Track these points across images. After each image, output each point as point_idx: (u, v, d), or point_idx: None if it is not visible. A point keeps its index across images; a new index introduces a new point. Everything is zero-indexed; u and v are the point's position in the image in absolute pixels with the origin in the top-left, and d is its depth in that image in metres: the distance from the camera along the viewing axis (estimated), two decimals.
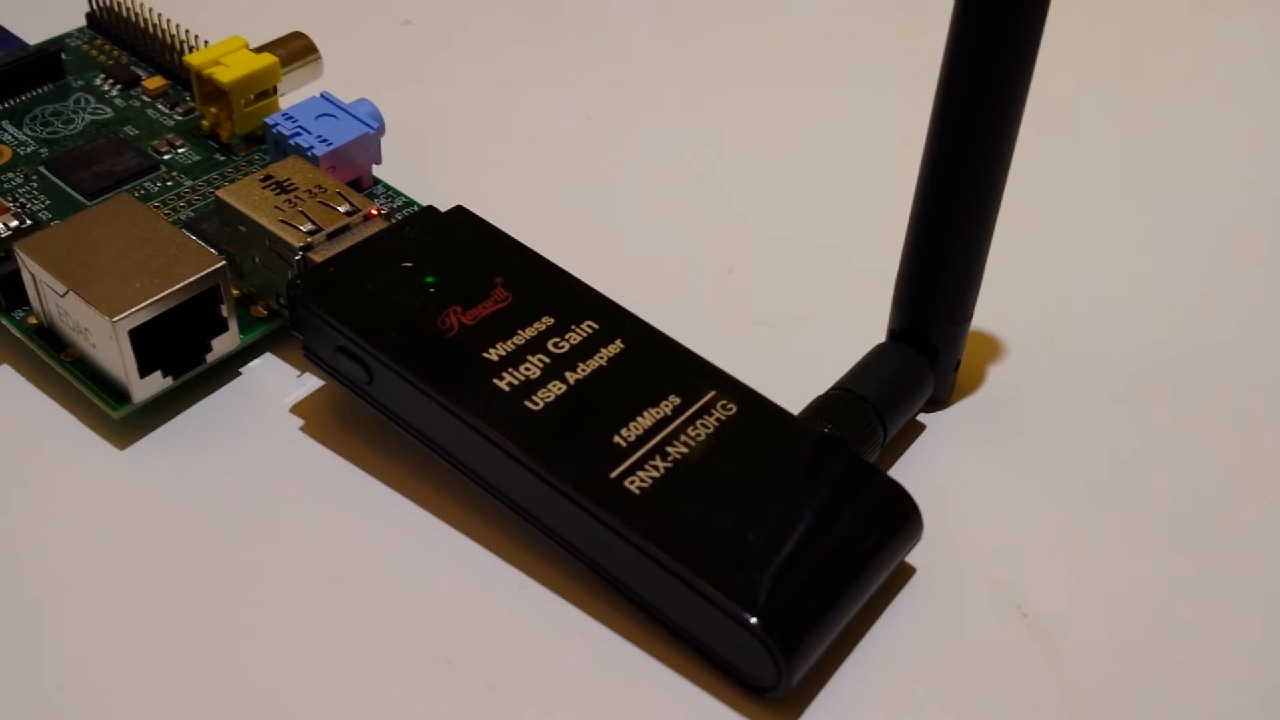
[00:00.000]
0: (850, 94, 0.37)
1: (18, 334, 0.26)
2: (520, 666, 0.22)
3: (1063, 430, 0.26)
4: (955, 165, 0.23)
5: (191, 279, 0.25)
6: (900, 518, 0.23)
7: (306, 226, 0.26)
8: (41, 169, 0.30)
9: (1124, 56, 0.38)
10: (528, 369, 0.24)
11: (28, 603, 0.23)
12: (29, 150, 0.30)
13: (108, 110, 0.32)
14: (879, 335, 0.26)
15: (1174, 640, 0.22)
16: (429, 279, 0.25)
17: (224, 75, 0.30)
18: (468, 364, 0.23)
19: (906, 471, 0.25)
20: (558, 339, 0.24)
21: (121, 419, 0.25)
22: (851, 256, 0.30)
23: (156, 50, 0.33)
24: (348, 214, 0.26)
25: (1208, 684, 0.22)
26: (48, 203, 0.29)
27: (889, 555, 0.22)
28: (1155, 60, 0.38)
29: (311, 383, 0.27)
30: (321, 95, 0.30)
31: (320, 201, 0.26)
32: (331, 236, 0.26)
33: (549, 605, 0.23)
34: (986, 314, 0.26)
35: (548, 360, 0.24)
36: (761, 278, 0.30)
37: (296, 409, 0.26)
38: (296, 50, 0.31)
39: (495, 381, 0.23)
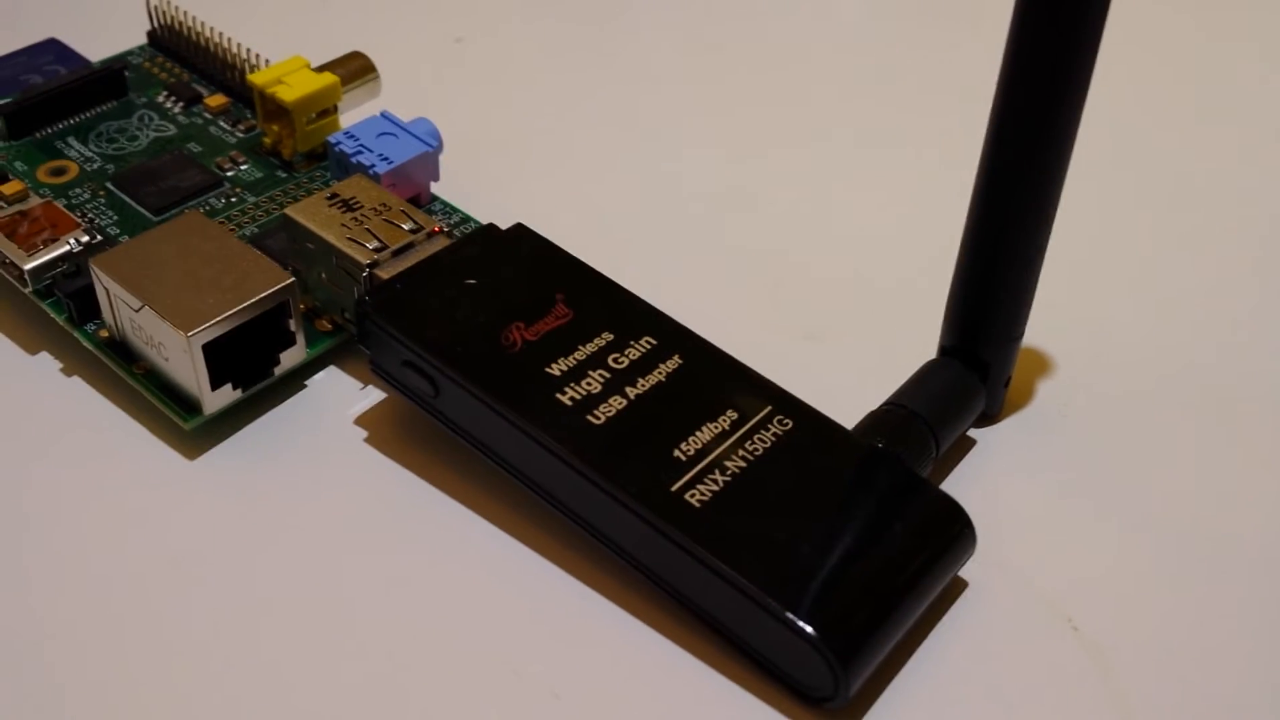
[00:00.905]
0: (894, 109, 0.37)
1: (90, 346, 0.27)
2: (583, 676, 0.22)
3: (1111, 446, 0.27)
4: (1010, 186, 0.24)
5: (263, 295, 0.25)
6: (954, 532, 0.23)
7: (373, 244, 0.26)
8: (108, 185, 0.31)
9: (1166, 72, 0.39)
10: (589, 384, 0.24)
11: (104, 605, 0.23)
12: (95, 166, 0.31)
13: (171, 127, 0.33)
14: (925, 348, 0.27)
15: (1224, 652, 0.23)
16: (492, 295, 0.26)
17: (287, 94, 0.31)
18: (531, 379, 0.24)
19: (958, 486, 0.25)
20: (617, 354, 0.25)
21: (192, 430, 0.26)
22: (896, 271, 0.31)
23: (217, 68, 0.34)
24: (412, 231, 0.27)
25: (1260, 697, 0.22)
26: (115, 218, 0.30)
27: (943, 569, 0.23)
28: (1195, 76, 0.39)
29: (374, 395, 0.27)
30: (381, 114, 0.31)
31: (385, 219, 0.27)
32: (396, 254, 0.26)
33: (610, 616, 0.23)
34: (1034, 331, 0.26)
35: (608, 375, 0.24)
36: (808, 293, 0.30)
37: (360, 420, 0.27)
38: (355, 70, 0.32)
39: (558, 396, 0.24)
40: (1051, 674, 0.23)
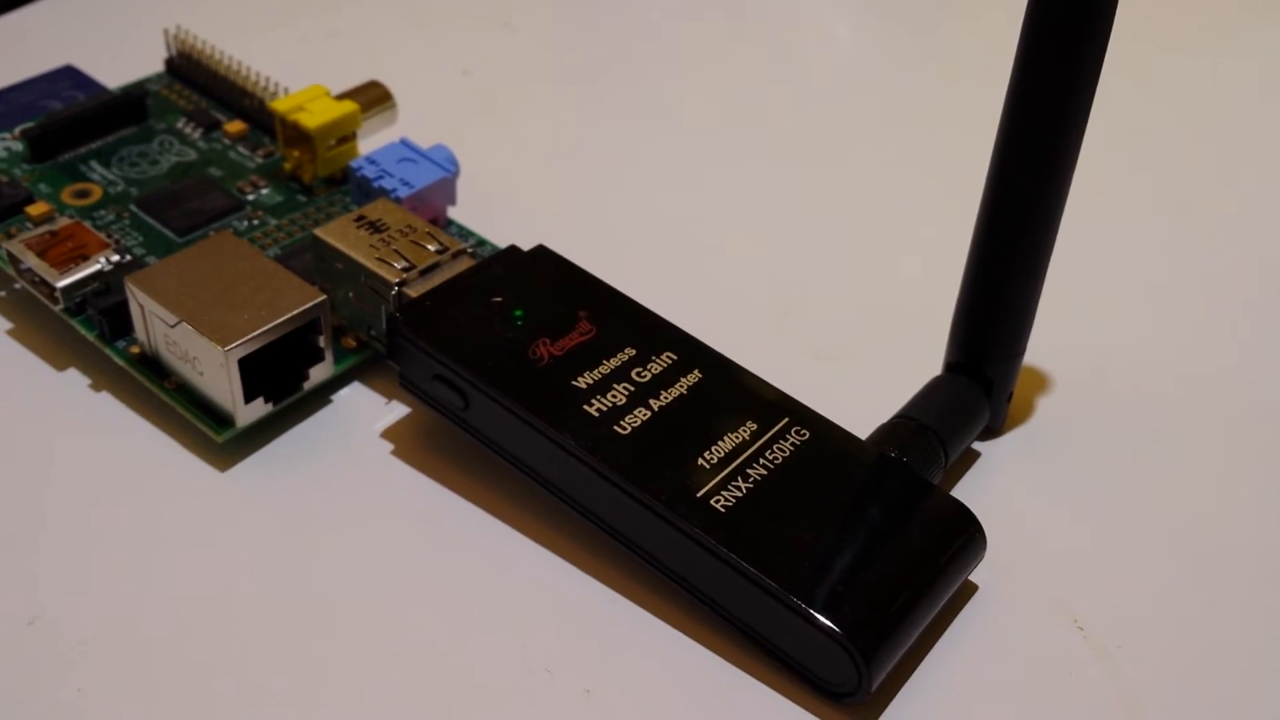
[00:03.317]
0: (898, 136, 0.38)
1: (121, 362, 0.28)
2: (613, 674, 0.23)
3: (1110, 456, 0.28)
4: (1012, 209, 0.25)
5: (296, 311, 0.26)
6: (966, 536, 0.24)
7: (401, 264, 0.27)
8: (133, 207, 0.31)
9: (1163, 96, 0.41)
10: (614, 396, 0.25)
11: (140, 614, 0.24)
12: (118, 189, 0.32)
13: (191, 152, 0.34)
14: (929, 366, 0.28)
15: (1225, 647, 0.24)
16: (518, 313, 0.27)
17: (309, 121, 0.31)
18: (559, 391, 0.25)
19: (964, 495, 0.26)
20: (640, 369, 0.26)
21: (224, 442, 0.27)
22: (901, 293, 0.32)
23: (234, 95, 0.35)
24: (438, 252, 0.28)
25: (1264, 692, 0.23)
26: (141, 239, 0.31)
27: (957, 571, 0.24)
28: (1194, 101, 0.41)
29: (399, 410, 0.28)
30: (401, 141, 0.32)
31: (412, 240, 0.28)
32: (424, 273, 0.27)
33: (636, 617, 0.24)
34: (1034, 349, 0.28)
35: (632, 389, 0.25)
36: (818, 315, 0.32)
37: (387, 434, 0.28)
38: (373, 98, 0.33)
39: (585, 408, 0.25)
40: (1060, 672, 0.24)
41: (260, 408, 0.27)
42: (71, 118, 0.33)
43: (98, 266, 0.28)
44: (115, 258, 0.29)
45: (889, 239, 0.34)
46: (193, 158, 0.33)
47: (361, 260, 0.27)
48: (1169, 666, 0.24)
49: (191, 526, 0.26)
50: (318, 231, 0.28)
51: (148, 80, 0.36)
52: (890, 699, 0.23)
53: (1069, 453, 0.28)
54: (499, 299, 0.27)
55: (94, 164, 0.33)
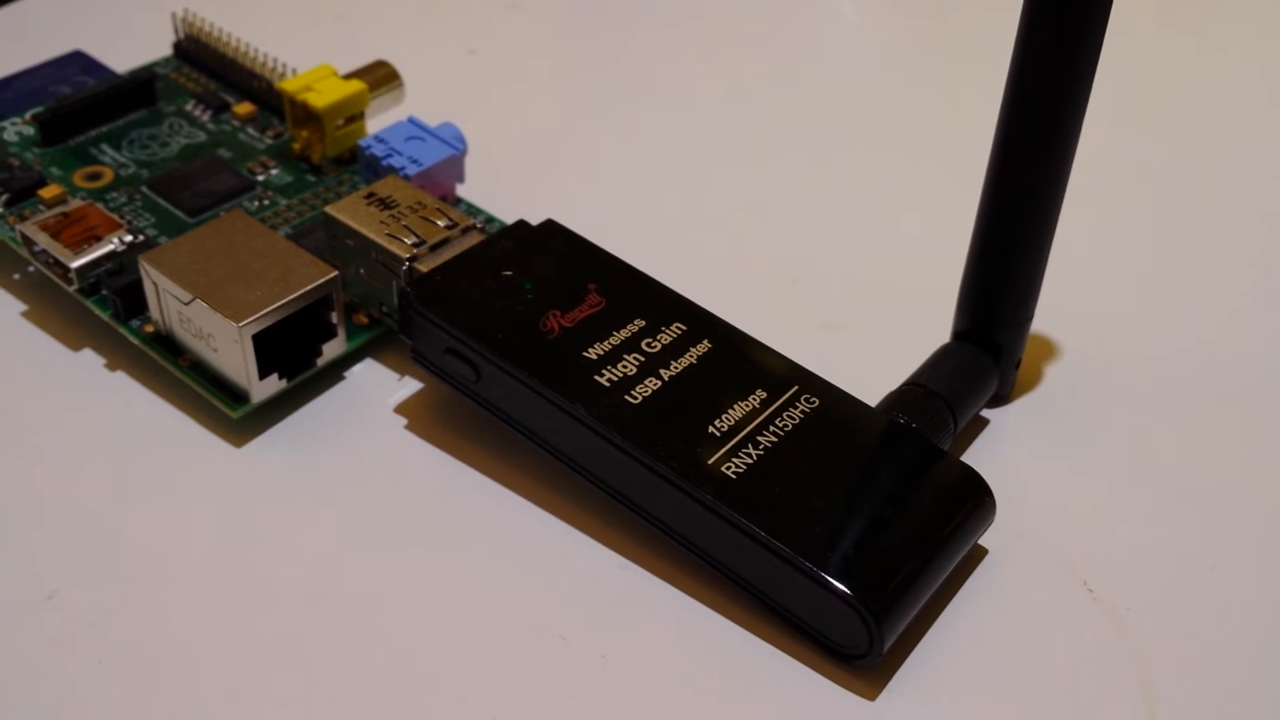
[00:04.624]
0: (900, 105, 0.39)
1: (136, 341, 0.28)
2: (627, 639, 0.24)
3: (1116, 422, 0.28)
4: (1020, 178, 0.25)
5: (308, 288, 0.27)
6: (976, 501, 0.24)
7: (411, 239, 0.27)
8: (144, 189, 0.32)
9: (1169, 64, 0.41)
10: (625, 366, 0.25)
11: (160, 586, 0.24)
12: (129, 171, 0.32)
13: (201, 134, 0.34)
14: (936, 336, 0.28)
15: (1231, 605, 0.24)
16: (528, 286, 0.27)
17: (317, 100, 0.32)
18: (570, 363, 0.25)
19: (974, 462, 0.27)
20: (650, 339, 0.26)
21: (239, 418, 0.27)
22: (906, 265, 0.32)
23: (242, 77, 0.35)
24: (447, 228, 0.28)
25: (1270, 649, 0.24)
26: (153, 220, 0.31)
27: (967, 535, 0.24)
28: (1199, 71, 0.41)
29: (412, 385, 0.29)
30: (409, 119, 0.32)
31: (421, 216, 0.28)
32: (434, 248, 0.27)
33: (647, 584, 0.25)
34: (1042, 318, 0.28)
35: (642, 359, 0.26)
36: (823, 287, 0.32)
37: (400, 409, 0.28)
38: (381, 77, 0.33)
39: (596, 378, 0.25)
40: (1070, 633, 0.24)
41: (274, 384, 0.27)
42: (82, 101, 0.33)
43: (111, 247, 0.28)
44: (128, 238, 0.29)
45: (896, 208, 0.35)
46: (202, 139, 0.34)
47: (372, 236, 0.27)
48: (1178, 626, 0.24)
49: (208, 501, 0.26)
50: (329, 209, 0.28)
51: (156, 64, 0.36)
52: (902, 661, 0.23)
53: (1076, 418, 0.28)
54: (509, 272, 0.27)
55: (104, 147, 0.33)
